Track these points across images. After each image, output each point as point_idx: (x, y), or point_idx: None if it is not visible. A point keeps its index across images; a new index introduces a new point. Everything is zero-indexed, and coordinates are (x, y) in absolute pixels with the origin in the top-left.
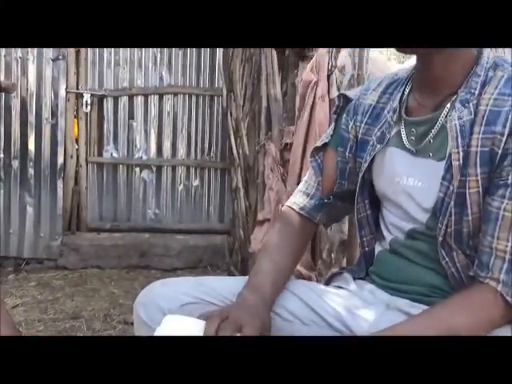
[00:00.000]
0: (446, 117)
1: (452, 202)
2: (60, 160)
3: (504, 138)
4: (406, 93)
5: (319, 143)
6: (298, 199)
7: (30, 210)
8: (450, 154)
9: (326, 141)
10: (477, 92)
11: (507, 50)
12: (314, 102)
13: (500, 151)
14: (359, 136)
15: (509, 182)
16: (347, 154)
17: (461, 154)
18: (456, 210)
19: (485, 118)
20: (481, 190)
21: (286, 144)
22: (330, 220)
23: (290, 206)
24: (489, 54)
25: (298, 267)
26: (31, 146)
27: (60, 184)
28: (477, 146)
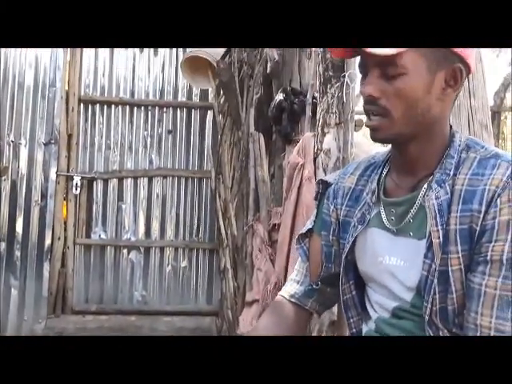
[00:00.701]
0: (423, 197)
1: (435, 280)
2: (47, 242)
3: (481, 215)
4: (383, 175)
5: (303, 230)
6: (288, 287)
7: (14, 292)
8: (430, 233)
9: (310, 227)
10: (451, 173)
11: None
12: (300, 184)
13: (478, 228)
14: (341, 218)
15: (488, 258)
16: (331, 237)
17: (440, 232)
18: (440, 288)
19: (461, 197)
20: (463, 267)
21: (274, 225)
22: (322, 306)
23: (281, 295)
24: (460, 137)
25: None
26: (19, 228)
27: (46, 266)
28: (455, 224)
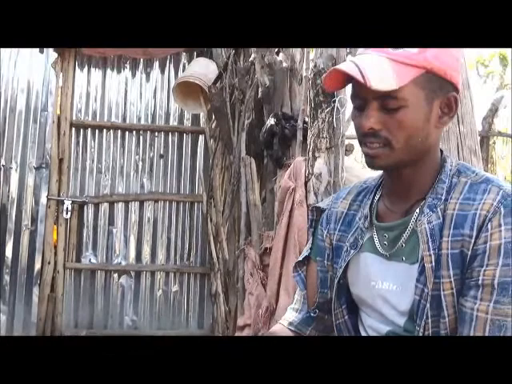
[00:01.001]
0: (415, 221)
1: (428, 305)
2: (37, 266)
3: (472, 240)
4: (375, 200)
5: (300, 257)
6: (287, 315)
7: (3, 318)
8: (423, 257)
9: (306, 254)
10: (443, 197)
11: None
12: (292, 208)
13: (470, 252)
14: (334, 243)
15: (479, 282)
16: (325, 262)
17: (432, 256)
18: (432, 313)
19: (453, 221)
20: (455, 291)
21: (266, 248)
22: (321, 335)
23: (280, 322)
24: (451, 162)
25: None
26: (8, 252)
27: (36, 291)
28: (447, 249)
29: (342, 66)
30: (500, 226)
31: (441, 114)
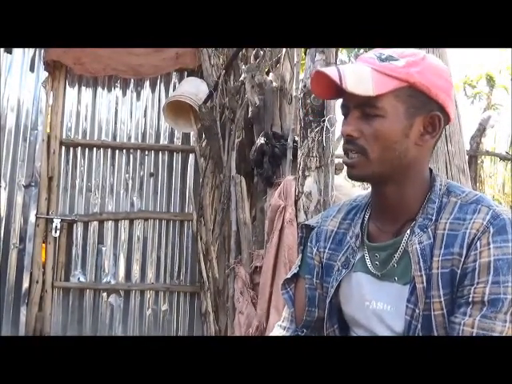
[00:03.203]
0: (407, 242)
1: (419, 325)
2: (25, 285)
3: (462, 259)
4: (365, 218)
5: (288, 275)
6: (275, 332)
7: None
8: (414, 278)
9: (295, 271)
10: (434, 218)
11: None
12: (282, 226)
13: (459, 271)
14: (324, 261)
15: (470, 300)
16: (314, 280)
17: (424, 277)
18: (424, 333)
19: (443, 241)
20: (445, 311)
21: (256, 267)
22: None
23: None
24: (441, 181)
25: None
26: None
27: (23, 310)
28: (438, 268)
29: (323, 69)
30: (489, 244)
31: (423, 132)
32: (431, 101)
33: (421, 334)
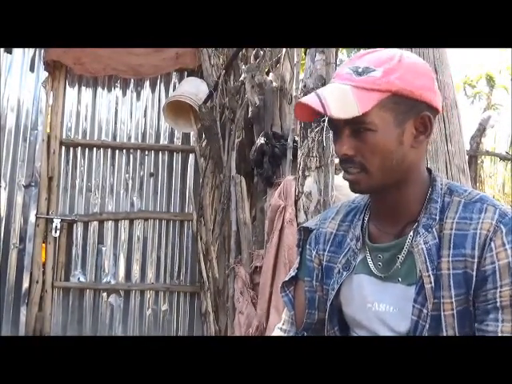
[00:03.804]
0: (411, 242)
1: (427, 326)
2: (25, 285)
3: (476, 260)
4: (365, 220)
5: (287, 278)
6: (275, 335)
7: None
8: (421, 278)
9: (293, 274)
10: (437, 217)
11: None
12: (282, 226)
13: (475, 273)
14: (324, 264)
15: (498, 304)
16: (314, 282)
17: (431, 277)
18: (431, 333)
19: (451, 241)
20: (455, 312)
21: (256, 267)
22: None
23: None
24: (441, 181)
25: None
26: None
27: (23, 310)
28: (448, 269)
29: (304, 99)
30: (504, 244)
31: (416, 134)
32: (417, 102)
33: (428, 334)
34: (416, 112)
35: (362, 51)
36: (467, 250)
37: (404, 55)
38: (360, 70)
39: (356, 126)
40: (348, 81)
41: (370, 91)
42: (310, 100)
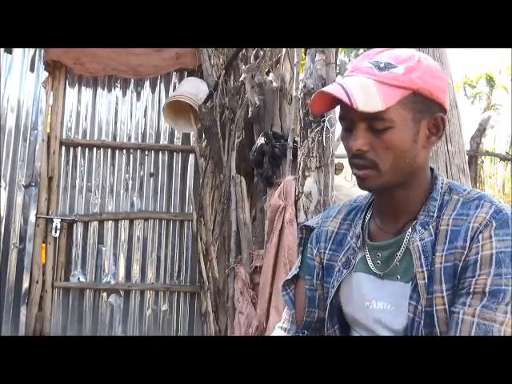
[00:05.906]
0: (409, 240)
1: (422, 322)
2: (25, 285)
3: (465, 251)
4: (366, 219)
5: (289, 276)
6: (275, 334)
7: None
8: (415, 274)
9: (295, 273)
10: (435, 215)
11: None
12: (282, 227)
13: (461, 264)
14: (324, 262)
15: (470, 290)
16: (315, 281)
17: (425, 273)
18: (426, 330)
19: (447, 237)
20: (447, 307)
21: (256, 267)
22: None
23: None
24: (442, 180)
25: None
26: None
27: (23, 310)
28: (441, 263)
29: (328, 89)
30: (491, 237)
31: (428, 135)
32: (432, 102)
33: (423, 331)
34: (431, 112)
35: (376, 49)
36: (459, 243)
37: (422, 56)
38: (382, 66)
39: (374, 122)
40: (369, 75)
41: (393, 87)
42: (335, 90)
